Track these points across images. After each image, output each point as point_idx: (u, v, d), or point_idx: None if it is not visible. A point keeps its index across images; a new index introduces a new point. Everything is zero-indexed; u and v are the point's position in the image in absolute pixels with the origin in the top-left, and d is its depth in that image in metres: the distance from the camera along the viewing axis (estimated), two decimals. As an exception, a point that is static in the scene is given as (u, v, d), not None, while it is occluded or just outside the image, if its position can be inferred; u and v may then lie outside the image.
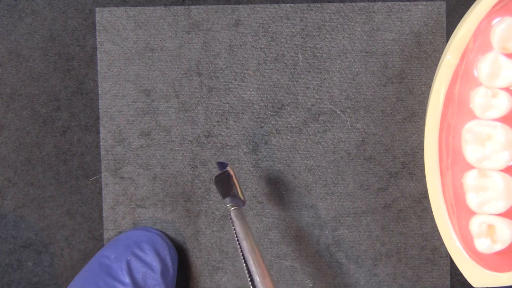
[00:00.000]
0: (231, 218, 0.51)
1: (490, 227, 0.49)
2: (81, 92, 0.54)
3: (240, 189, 0.52)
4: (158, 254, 0.52)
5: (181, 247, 0.54)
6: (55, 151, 0.54)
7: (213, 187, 0.54)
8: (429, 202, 0.54)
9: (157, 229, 0.54)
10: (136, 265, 0.51)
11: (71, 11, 0.54)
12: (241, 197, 0.51)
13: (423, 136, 0.54)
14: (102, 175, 0.54)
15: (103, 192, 0.54)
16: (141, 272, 0.51)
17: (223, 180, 0.52)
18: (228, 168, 0.52)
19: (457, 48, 0.49)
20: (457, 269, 0.54)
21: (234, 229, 0.50)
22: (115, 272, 0.50)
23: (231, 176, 0.51)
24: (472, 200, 0.49)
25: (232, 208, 0.51)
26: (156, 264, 0.51)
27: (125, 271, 0.50)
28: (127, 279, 0.50)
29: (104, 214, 0.54)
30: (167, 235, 0.54)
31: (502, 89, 0.49)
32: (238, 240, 0.50)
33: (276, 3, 0.54)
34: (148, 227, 0.54)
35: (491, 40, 0.49)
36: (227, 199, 0.51)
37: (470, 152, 0.49)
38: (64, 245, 0.54)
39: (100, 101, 0.54)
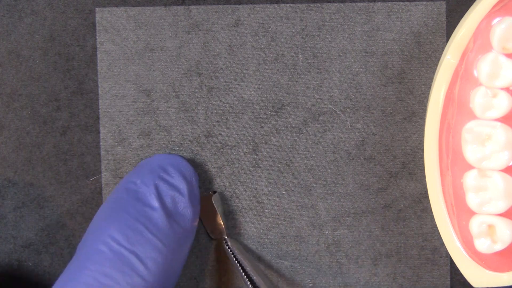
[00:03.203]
0: (228, 247, 0.52)
1: (490, 227, 0.49)
2: (81, 92, 0.54)
3: (223, 219, 0.53)
4: (184, 176, 0.51)
5: (181, 247, 0.54)
6: (55, 151, 0.54)
7: (213, 187, 0.54)
8: (429, 202, 0.54)
9: (177, 154, 0.53)
10: (164, 188, 0.49)
11: (71, 11, 0.54)
12: (222, 227, 0.53)
13: (423, 136, 0.54)
14: (102, 175, 0.54)
15: (103, 192, 0.54)
16: (169, 196, 0.49)
17: (205, 205, 0.53)
18: (213, 195, 0.53)
19: (457, 48, 0.49)
20: (457, 269, 0.54)
21: (235, 256, 0.51)
22: (143, 196, 0.49)
23: (213, 206, 0.53)
24: (472, 200, 0.49)
25: (226, 237, 0.53)
26: (183, 186, 0.50)
27: (154, 195, 0.49)
28: (156, 204, 0.49)
29: (104, 214, 0.54)
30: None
31: (502, 89, 0.49)
32: (241, 266, 0.51)
33: (276, 3, 0.54)
34: (169, 153, 0.53)
35: (491, 40, 0.49)
36: (210, 233, 0.53)
37: (470, 152, 0.49)
38: (64, 245, 0.54)
39: (100, 101, 0.54)
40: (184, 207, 0.50)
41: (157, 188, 0.49)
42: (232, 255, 0.52)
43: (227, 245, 0.52)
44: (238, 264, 0.51)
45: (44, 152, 0.54)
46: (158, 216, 0.48)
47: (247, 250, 0.54)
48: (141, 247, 0.47)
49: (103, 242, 0.47)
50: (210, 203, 0.53)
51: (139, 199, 0.49)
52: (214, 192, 0.54)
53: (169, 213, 0.49)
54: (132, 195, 0.49)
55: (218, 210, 0.53)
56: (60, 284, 0.46)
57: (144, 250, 0.47)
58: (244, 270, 0.51)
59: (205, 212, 0.53)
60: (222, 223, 0.53)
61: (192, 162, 0.54)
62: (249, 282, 0.51)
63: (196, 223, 0.51)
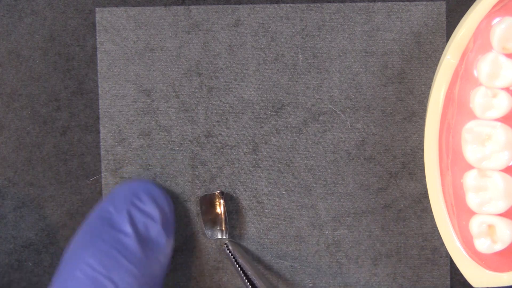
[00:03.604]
0: (230, 251, 0.52)
1: (490, 227, 0.49)
2: (81, 92, 0.54)
3: (226, 220, 0.53)
4: (156, 203, 0.51)
5: (181, 247, 0.54)
6: (55, 151, 0.54)
7: (213, 187, 0.54)
8: (429, 202, 0.54)
9: (150, 180, 0.54)
10: (137, 215, 0.50)
11: (71, 11, 0.54)
12: (223, 228, 0.53)
13: (423, 136, 0.54)
14: (102, 175, 0.54)
15: (103, 192, 0.54)
16: (142, 222, 0.50)
17: (208, 203, 0.53)
18: (219, 195, 0.53)
19: (457, 48, 0.49)
20: (457, 269, 0.54)
21: (236, 261, 0.51)
22: (117, 223, 0.50)
23: (221, 202, 0.53)
24: (472, 200, 0.49)
25: (227, 240, 0.53)
26: (156, 213, 0.51)
27: (127, 222, 0.50)
28: (129, 230, 0.50)
29: (104, 214, 0.54)
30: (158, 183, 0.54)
31: (502, 89, 0.49)
32: (242, 269, 0.51)
33: (276, 3, 0.54)
34: (142, 178, 0.54)
35: (491, 40, 0.49)
36: (208, 232, 0.53)
37: (470, 152, 0.49)
38: (64, 245, 0.54)
39: (100, 101, 0.54)
40: (158, 234, 0.51)
41: (130, 215, 0.50)
42: (233, 259, 0.52)
43: (228, 249, 0.52)
44: (239, 268, 0.51)
45: (44, 152, 0.54)
46: (132, 242, 0.49)
47: (247, 250, 0.54)
48: (116, 273, 0.48)
49: (79, 269, 0.48)
50: (213, 203, 0.53)
51: (113, 225, 0.50)
52: (222, 192, 0.54)
53: (143, 239, 0.50)
54: (107, 222, 0.50)
55: (223, 211, 0.53)
56: None
57: (119, 276, 0.48)
58: (245, 274, 0.51)
59: (208, 211, 0.53)
60: (224, 224, 0.53)
61: (192, 162, 0.54)
62: (250, 286, 0.51)
63: (170, 250, 0.51)
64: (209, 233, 0.53)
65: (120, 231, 0.50)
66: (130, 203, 0.51)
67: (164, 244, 0.51)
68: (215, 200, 0.53)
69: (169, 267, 0.53)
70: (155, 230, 0.50)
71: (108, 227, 0.50)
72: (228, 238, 0.54)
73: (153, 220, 0.51)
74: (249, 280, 0.51)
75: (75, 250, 0.49)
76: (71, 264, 0.48)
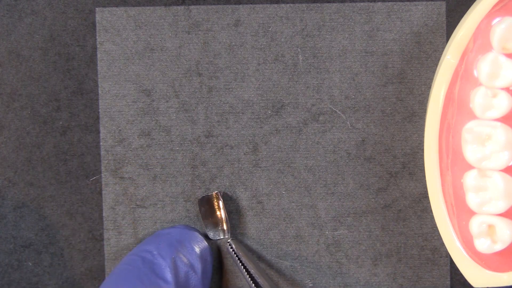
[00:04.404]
0: (233, 250, 0.52)
1: (490, 227, 0.49)
2: (81, 92, 0.54)
3: (227, 219, 0.53)
4: (201, 255, 0.51)
5: (181, 247, 0.54)
6: (55, 151, 0.54)
7: (213, 187, 0.54)
8: (429, 202, 0.54)
9: (195, 228, 0.53)
10: (180, 264, 0.49)
11: (71, 11, 0.54)
12: (224, 228, 0.53)
13: (423, 136, 0.54)
14: (102, 175, 0.54)
15: (103, 192, 0.54)
16: (184, 272, 0.49)
17: (207, 204, 0.53)
18: (218, 196, 0.53)
19: (457, 48, 0.49)
20: (457, 269, 0.54)
21: (239, 259, 0.51)
22: (159, 268, 0.49)
23: (219, 203, 0.53)
24: (472, 200, 0.49)
25: (230, 239, 0.53)
26: (198, 264, 0.50)
27: (169, 269, 0.49)
28: (170, 278, 0.49)
29: (104, 214, 0.54)
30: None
31: (502, 89, 0.49)
32: (245, 268, 0.51)
33: (276, 3, 0.54)
34: (187, 225, 0.53)
35: (491, 40, 0.49)
36: (210, 233, 0.53)
37: (470, 152, 0.49)
38: (64, 245, 0.54)
39: (100, 101, 0.54)
40: (195, 284, 0.50)
41: (174, 263, 0.49)
42: (237, 258, 0.52)
43: (232, 247, 0.52)
44: (242, 267, 0.51)
45: (44, 152, 0.54)
46: None
47: (249, 249, 0.54)
48: None
49: None
50: (213, 204, 0.53)
51: (154, 270, 0.49)
52: (220, 192, 0.54)
53: None
54: (148, 265, 0.49)
55: (222, 210, 0.53)
56: None
57: None
58: (248, 273, 0.51)
59: (208, 212, 0.53)
60: (225, 224, 0.53)
61: (192, 162, 0.54)
62: (253, 285, 0.51)
63: None
64: (211, 233, 0.53)
65: (160, 277, 0.48)
66: (175, 250, 0.50)
67: None
68: (214, 200, 0.53)
69: None
70: (194, 281, 0.50)
71: (149, 271, 0.48)
72: (231, 237, 0.54)
73: (194, 271, 0.50)
74: (252, 279, 0.51)
75: (112, 285, 0.48)
76: None
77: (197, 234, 0.52)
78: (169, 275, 0.49)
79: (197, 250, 0.51)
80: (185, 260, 0.50)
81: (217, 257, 0.54)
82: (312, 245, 0.54)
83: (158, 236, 0.51)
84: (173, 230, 0.52)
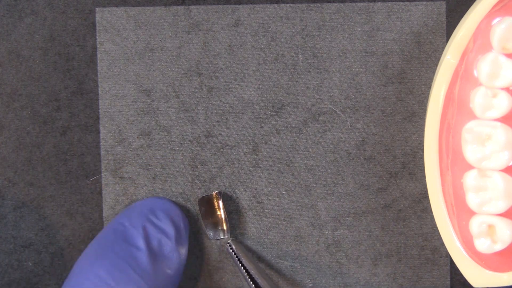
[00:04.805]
0: (233, 250, 0.52)
1: (490, 227, 0.49)
2: (81, 92, 0.54)
3: (227, 219, 0.53)
4: (172, 220, 0.52)
5: (181, 247, 0.54)
6: (55, 151, 0.54)
7: (213, 187, 0.54)
8: (429, 202, 0.54)
9: (167, 198, 0.54)
10: (151, 231, 0.51)
11: (71, 11, 0.54)
12: (224, 228, 0.53)
13: (423, 136, 0.54)
14: (102, 175, 0.54)
15: (103, 192, 0.54)
16: (156, 239, 0.51)
17: (207, 204, 0.53)
18: (217, 196, 0.53)
19: (457, 48, 0.49)
20: (457, 269, 0.54)
21: (239, 260, 0.51)
22: (131, 238, 0.50)
23: (219, 203, 0.53)
24: (472, 200, 0.49)
25: (230, 240, 0.53)
26: (170, 230, 0.51)
27: (141, 237, 0.50)
28: (143, 245, 0.50)
29: (104, 214, 0.54)
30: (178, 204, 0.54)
31: (502, 89, 0.49)
32: (245, 269, 0.51)
33: (276, 3, 0.54)
34: (159, 196, 0.54)
35: (491, 40, 0.49)
36: (210, 233, 0.53)
37: (470, 152, 0.49)
38: (64, 245, 0.54)
39: (100, 101, 0.54)
40: (170, 250, 0.51)
41: (145, 230, 0.51)
42: (237, 259, 0.52)
43: (232, 248, 0.52)
44: (242, 267, 0.51)
45: (44, 152, 0.54)
46: (144, 257, 0.49)
47: (249, 250, 0.54)
48: (125, 286, 0.48)
49: (88, 279, 0.48)
50: (213, 204, 0.53)
51: (126, 239, 0.50)
52: (219, 193, 0.54)
53: (155, 255, 0.50)
54: (119, 236, 0.50)
55: (222, 211, 0.53)
56: None
57: None
58: (248, 274, 0.51)
59: (207, 212, 0.53)
60: (225, 224, 0.53)
61: (192, 162, 0.54)
62: (253, 285, 0.51)
63: (181, 266, 0.52)
64: (211, 234, 0.53)
65: (133, 245, 0.50)
66: (146, 218, 0.51)
67: (176, 261, 0.51)
68: (214, 200, 0.53)
69: (180, 283, 0.53)
70: (168, 247, 0.51)
71: (122, 241, 0.50)
72: (231, 237, 0.54)
73: (167, 237, 0.51)
74: (252, 280, 0.51)
75: (86, 260, 0.49)
76: (81, 274, 0.48)
77: (168, 201, 0.53)
78: (141, 242, 0.50)
79: (169, 217, 0.52)
80: (156, 227, 0.51)
81: (217, 257, 0.54)
82: (312, 245, 0.54)
83: (129, 209, 0.52)
84: (144, 201, 0.53)
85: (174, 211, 0.52)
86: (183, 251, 0.52)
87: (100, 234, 0.51)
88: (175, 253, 0.51)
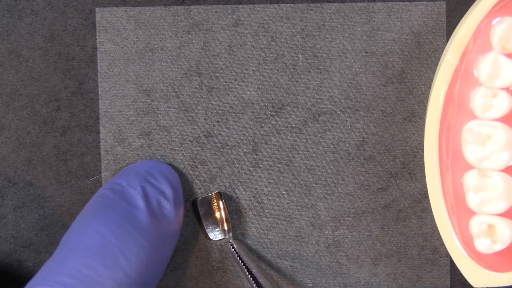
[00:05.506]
0: (235, 250, 0.52)
1: (490, 227, 0.49)
2: (81, 92, 0.54)
3: (228, 219, 0.53)
4: (170, 182, 0.51)
5: (181, 247, 0.54)
6: (55, 151, 0.54)
7: (213, 187, 0.54)
8: (429, 202, 0.54)
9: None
10: (150, 191, 0.50)
11: (71, 11, 0.54)
12: (225, 228, 0.53)
13: (423, 136, 0.54)
14: (102, 175, 0.54)
15: (103, 192, 0.54)
16: (155, 198, 0.50)
17: (207, 205, 0.53)
18: (214, 194, 0.53)
19: (457, 48, 0.49)
20: (457, 269, 0.54)
21: (241, 259, 0.51)
22: (129, 197, 0.50)
23: (220, 203, 0.53)
24: (472, 200, 0.49)
25: (232, 239, 0.53)
26: (169, 191, 0.51)
27: (140, 197, 0.50)
28: (142, 204, 0.49)
29: (104, 214, 0.54)
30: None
31: (502, 89, 0.49)
32: (247, 268, 0.51)
33: (276, 3, 0.54)
34: (153, 159, 0.54)
35: (491, 40, 0.49)
36: (211, 233, 0.53)
37: (470, 152, 0.49)
38: (64, 245, 0.54)
39: (100, 101, 0.54)
40: (169, 211, 0.51)
41: (144, 190, 0.50)
42: (238, 258, 0.52)
43: (233, 247, 0.52)
44: (244, 267, 0.51)
45: (44, 152, 0.54)
46: (144, 216, 0.49)
47: (251, 249, 0.54)
48: (126, 242, 0.47)
49: (88, 235, 0.47)
50: (214, 204, 0.53)
51: (125, 199, 0.50)
52: (219, 193, 0.54)
53: (154, 215, 0.50)
54: (118, 195, 0.50)
55: (223, 211, 0.53)
56: (42, 274, 0.46)
57: (128, 246, 0.47)
58: (250, 273, 0.51)
59: (207, 214, 0.53)
60: (226, 224, 0.53)
61: (192, 162, 0.54)
62: (255, 285, 0.51)
63: (178, 228, 0.52)
64: (212, 234, 0.53)
65: (132, 204, 0.49)
66: (144, 179, 0.51)
67: (174, 221, 0.51)
68: (214, 201, 0.53)
69: (175, 245, 0.52)
70: (167, 207, 0.50)
71: (121, 200, 0.49)
72: (232, 237, 0.54)
73: (165, 198, 0.51)
74: (254, 279, 0.51)
75: (85, 217, 0.49)
76: (79, 230, 0.48)
77: (164, 164, 0.53)
78: (140, 201, 0.49)
79: (166, 178, 0.52)
80: (155, 187, 0.51)
81: (217, 257, 0.54)
82: (312, 245, 0.54)
83: (126, 170, 0.52)
84: (140, 163, 0.53)
85: (170, 172, 0.52)
86: (180, 212, 0.52)
87: (97, 193, 0.50)
88: (173, 213, 0.51)
